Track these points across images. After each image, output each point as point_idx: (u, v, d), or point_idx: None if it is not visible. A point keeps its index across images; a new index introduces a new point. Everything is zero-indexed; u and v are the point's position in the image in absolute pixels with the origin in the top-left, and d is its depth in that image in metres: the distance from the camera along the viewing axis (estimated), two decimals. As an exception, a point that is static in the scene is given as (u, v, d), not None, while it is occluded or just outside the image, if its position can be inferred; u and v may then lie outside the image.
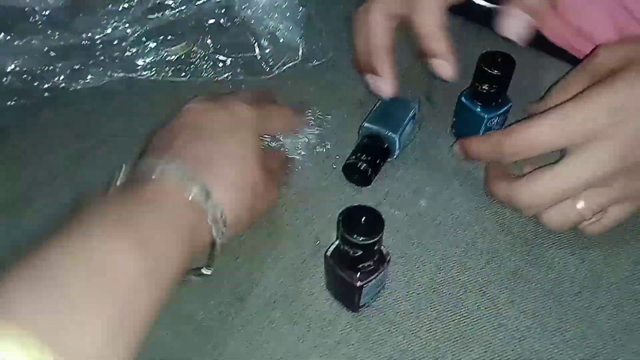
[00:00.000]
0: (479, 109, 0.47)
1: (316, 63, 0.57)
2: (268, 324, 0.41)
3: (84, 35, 0.53)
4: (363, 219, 0.35)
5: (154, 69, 0.55)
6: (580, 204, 0.40)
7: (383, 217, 0.36)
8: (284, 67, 0.57)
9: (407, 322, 0.41)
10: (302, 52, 0.57)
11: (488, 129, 0.48)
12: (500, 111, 0.47)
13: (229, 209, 0.38)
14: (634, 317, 0.41)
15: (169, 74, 0.55)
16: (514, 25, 0.41)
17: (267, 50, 0.57)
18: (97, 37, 0.54)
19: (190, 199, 0.36)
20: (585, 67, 0.44)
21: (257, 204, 0.41)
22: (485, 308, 0.41)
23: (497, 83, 0.45)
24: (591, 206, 0.40)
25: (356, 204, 0.37)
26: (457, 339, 0.40)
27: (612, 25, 0.52)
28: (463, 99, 0.48)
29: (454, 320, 0.41)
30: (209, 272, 0.39)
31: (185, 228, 0.35)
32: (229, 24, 0.57)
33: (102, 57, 0.54)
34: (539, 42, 0.54)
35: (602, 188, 0.40)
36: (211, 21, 0.57)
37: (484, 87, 0.46)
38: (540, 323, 0.40)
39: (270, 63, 0.57)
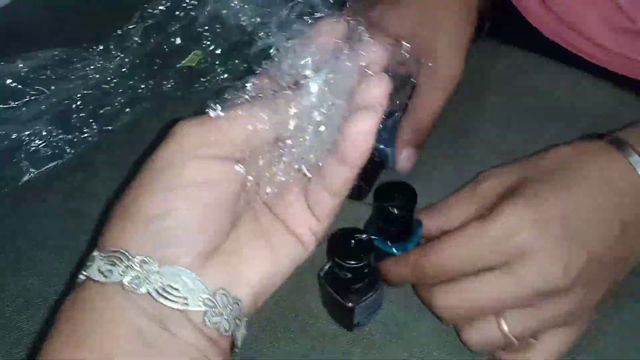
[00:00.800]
0: (393, 249, 0.41)
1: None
2: (270, 342, 0.41)
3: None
4: (353, 242, 0.36)
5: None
6: (503, 325, 0.36)
7: (373, 239, 0.36)
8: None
9: (407, 333, 0.41)
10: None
11: None
12: (416, 240, 0.42)
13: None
14: None
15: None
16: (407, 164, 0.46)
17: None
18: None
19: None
20: (470, 192, 0.41)
21: None
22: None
23: (404, 220, 0.40)
24: (516, 328, 0.36)
25: (347, 226, 0.37)
26: (459, 348, 0.40)
27: (601, 17, 0.52)
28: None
29: (455, 330, 0.41)
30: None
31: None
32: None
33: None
34: (533, 40, 0.54)
35: (530, 308, 0.36)
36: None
37: (391, 228, 0.41)
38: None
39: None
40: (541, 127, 0.51)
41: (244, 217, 0.32)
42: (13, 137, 0.52)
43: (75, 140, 0.53)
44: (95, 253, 0.29)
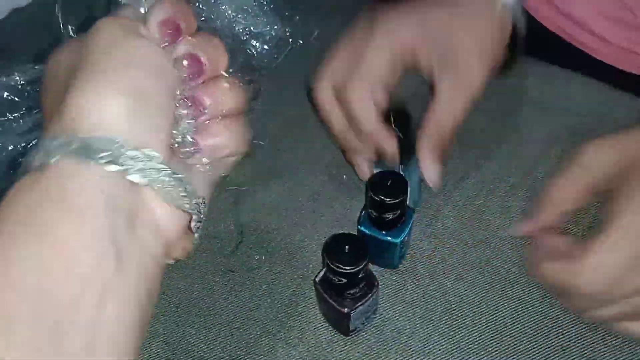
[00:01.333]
0: (388, 238, 0.42)
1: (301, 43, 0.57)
2: (268, 351, 0.41)
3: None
4: (347, 247, 0.36)
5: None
6: None
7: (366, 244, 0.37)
8: (281, 57, 0.57)
9: (402, 337, 0.41)
10: (291, 38, 0.57)
11: (402, 249, 0.43)
12: (409, 226, 0.42)
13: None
14: None
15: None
16: (428, 172, 0.43)
17: (259, 47, 0.57)
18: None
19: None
20: (576, 168, 0.40)
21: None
22: (482, 319, 0.42)
23: (398, 208, 0.40)
24: None
25: (341, 232, 0.37)
26: (454, 352, 0.40)
27: (597, 7, 0.53)
28: (363, 228, 0.42)
29: (449, 334, 0.41)
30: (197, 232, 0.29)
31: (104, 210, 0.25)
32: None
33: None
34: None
35: None
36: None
37: (386, 215, 0.41)
38: (538, 328, 0.41)
39: (265, 60, 0.57)
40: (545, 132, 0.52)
41: None
42: (10, 148, 0.53)
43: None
44: (65, 133, 0.26)
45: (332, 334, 0.42)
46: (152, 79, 0.27)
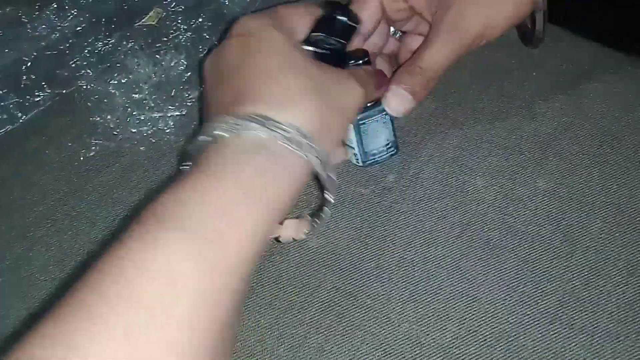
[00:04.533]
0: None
1: None
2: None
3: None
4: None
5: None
6: None
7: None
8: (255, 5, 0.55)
9: (377, 304, 0.39)
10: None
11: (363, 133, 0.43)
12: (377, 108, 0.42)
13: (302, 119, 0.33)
14: (609, 281, 0.39)
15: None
16: (395, 102, 0.42)
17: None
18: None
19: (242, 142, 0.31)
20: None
21: (337, 101, 0.35)
22: (459, 283, 0.40)
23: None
24: None
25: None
26: (430, 318, 0.39)
27: None
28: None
29: (426, 299, 0.39)
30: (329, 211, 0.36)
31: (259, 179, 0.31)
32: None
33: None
34: None
35: None
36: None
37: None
38: (515, 294, 0.39)
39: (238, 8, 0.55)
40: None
41: None
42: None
43: (27, 104, 0.50)
44: (235, 117, 0.31)
45: (305, 298, 0.40)
46: (334, 109, 0.35)
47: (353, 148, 0.44)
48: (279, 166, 0.31)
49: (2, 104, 0.49)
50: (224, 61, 0.35)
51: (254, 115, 0.31)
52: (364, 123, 0.42)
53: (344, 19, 0.40)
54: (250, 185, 0.30)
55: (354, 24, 0.41)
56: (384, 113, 0.42)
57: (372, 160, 0.45)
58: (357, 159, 0.45)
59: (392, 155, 0.45)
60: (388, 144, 0.45)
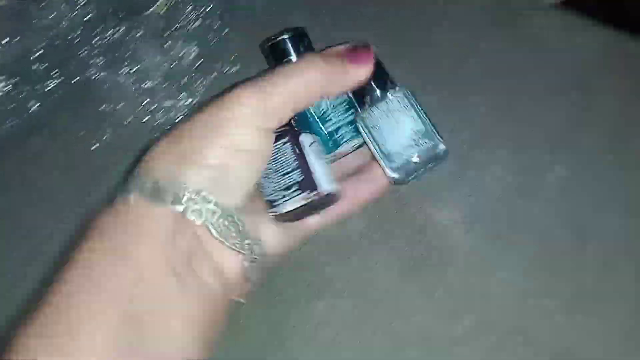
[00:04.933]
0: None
1: None
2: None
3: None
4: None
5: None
6: None
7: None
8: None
9: (388, 297, 0.40)
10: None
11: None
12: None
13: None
14: (622, 274, 0.39)
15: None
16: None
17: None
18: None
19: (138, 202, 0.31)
20: None
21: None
22: (470, 276, 0.40)
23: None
24: None
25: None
26: (442, 311, 0.39)
27: None
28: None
29: (437, 293, 0.40)
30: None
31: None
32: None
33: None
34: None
35: None
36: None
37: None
38: (527, 288, 0.39)
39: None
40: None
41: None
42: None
43: (37, 94, 0.50)
44: (142, 176, 0.31)
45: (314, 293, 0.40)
46: (238, 157, 0.31)
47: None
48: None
49: (12, 93, 0.49)
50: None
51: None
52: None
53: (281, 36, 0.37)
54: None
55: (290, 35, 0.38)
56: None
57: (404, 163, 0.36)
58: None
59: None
60: (417, 139, 0.36)
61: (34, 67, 0.50)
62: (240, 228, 0.32)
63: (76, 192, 0.46)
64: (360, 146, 0.38)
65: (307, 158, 0.34)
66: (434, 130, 0.36)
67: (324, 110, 0.37)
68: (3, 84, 0.50)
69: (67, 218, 0.44)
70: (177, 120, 0.49)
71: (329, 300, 0.40)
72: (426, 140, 0.35)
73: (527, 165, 0.44)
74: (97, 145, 0.48)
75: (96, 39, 0.52)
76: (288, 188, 0.33)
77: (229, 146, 0.31)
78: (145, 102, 0.49)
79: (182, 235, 0.30)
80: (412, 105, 0.36)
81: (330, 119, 0.37)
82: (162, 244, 0.30)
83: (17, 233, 0.44)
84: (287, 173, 0.34)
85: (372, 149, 0.36)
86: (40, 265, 0.42)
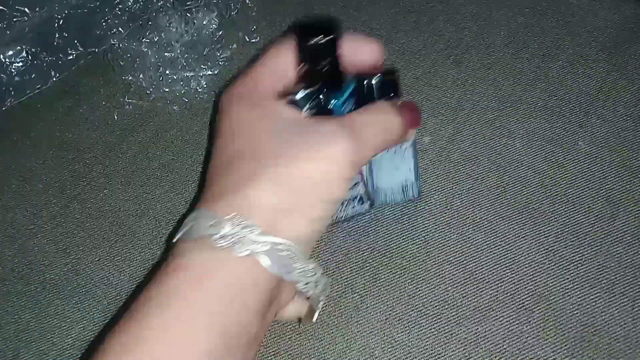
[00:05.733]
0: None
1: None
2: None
3: None
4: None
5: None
6: None
7: None
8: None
9: (413, 266, 0.39)
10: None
11: None
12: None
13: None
14: (654, 246, 0.38)
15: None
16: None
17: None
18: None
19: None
20: None
21: (304, 169, 0.31)
22: (497, 246, 0.39)
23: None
24: None
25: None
26: (467, 280, 0.38)
27: None
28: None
29: (463, 262, 0.39)
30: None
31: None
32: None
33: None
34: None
35: None
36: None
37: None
38: (554, 258, 0.39)
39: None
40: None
41: None
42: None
43: (59, 62, 0.49)
44: (222, 217, 0.29)
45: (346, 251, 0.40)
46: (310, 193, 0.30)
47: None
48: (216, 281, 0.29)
49: (34, 63, 0.49)
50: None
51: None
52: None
53: (319, 39, 0.32)
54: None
55: (330, 38, 0.32)
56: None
57: (382, 201, 0.40)
58: (362, 198, 0.39)
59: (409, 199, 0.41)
60: (405, 185, 0.40)
61: (56, 37, 0.50)
62: (293, 254, 0.30)
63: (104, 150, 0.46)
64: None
65: None
66: (419, 180, 0.40)
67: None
68: (24, 53, 0.50)
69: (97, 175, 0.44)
70: (199, 90, 0.48)
71: (352, 267, 0.39)
72: (411, 190, 0.40)
73: (557, 133, 0.43)
74: (122, 113, 0.47)
75: (117, 8, 0.52)
76: None
77: (329, 201, 0.31)
78: (167, 72, 0.49)
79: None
80: (413, 157, 0.39)
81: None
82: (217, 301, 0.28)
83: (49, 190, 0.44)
84: None
85: (365, 175, 0.37)
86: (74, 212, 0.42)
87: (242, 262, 0.28)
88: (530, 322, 0.37)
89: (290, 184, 0.30)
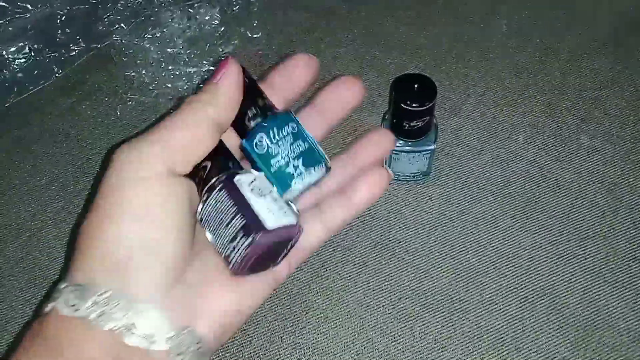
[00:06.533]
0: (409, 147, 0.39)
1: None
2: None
3: None
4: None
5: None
6: None
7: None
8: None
9: (416, 260, 0.39)
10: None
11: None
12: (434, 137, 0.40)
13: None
14: (657, 239, 0.38)
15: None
16: None
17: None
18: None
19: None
20: None
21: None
22: (499, 239, 0.39)
23: (426, 115, 0.37)
24: None
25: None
26: (470, 274, 0.38)
27: None
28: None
29: (465, 255, 0.39)
30: None
31: None
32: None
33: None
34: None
35: None
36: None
37: (412, 124, 0.38)
38: (557, 251, 0.39)
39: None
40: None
41: (209, 246, 0.30)
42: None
43: (62, 59, 0.50)
44: (62, 285, 0.27)
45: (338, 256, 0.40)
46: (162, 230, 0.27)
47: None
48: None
49: (37, 59, 0.49)
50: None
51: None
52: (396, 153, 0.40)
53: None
54: None
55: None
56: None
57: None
58: None
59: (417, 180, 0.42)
60: (417, 172, 0.42)
61: (58, 33, 0.50)
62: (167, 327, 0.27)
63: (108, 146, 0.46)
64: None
65: (247, 198, 0.28)
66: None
67: (266, 146, 0.31)
68: (27, 49, 0.50)
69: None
70: (202, 86, 0.49)
71: (356, 262, 0.39)
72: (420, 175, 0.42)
73: (560, 127, 0.43)
74: (125, 109, 0.47)
75: (119, 4, 0.52)
76: (234, 238, 0.28)
77: (116, 214, 0.27)
78: (169, 68, 0.49)
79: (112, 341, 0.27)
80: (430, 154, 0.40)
81: (277, 155, 0.31)
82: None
83: (52, 186, 0.44)
84: (229, 222, 0.28)
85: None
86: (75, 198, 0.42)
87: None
88: (533, 315, 0.37)
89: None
